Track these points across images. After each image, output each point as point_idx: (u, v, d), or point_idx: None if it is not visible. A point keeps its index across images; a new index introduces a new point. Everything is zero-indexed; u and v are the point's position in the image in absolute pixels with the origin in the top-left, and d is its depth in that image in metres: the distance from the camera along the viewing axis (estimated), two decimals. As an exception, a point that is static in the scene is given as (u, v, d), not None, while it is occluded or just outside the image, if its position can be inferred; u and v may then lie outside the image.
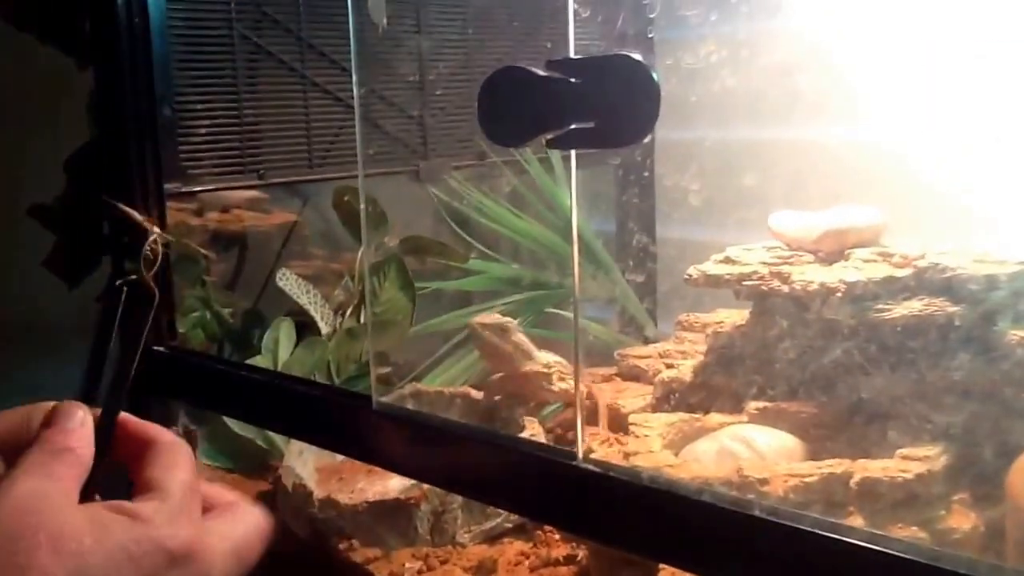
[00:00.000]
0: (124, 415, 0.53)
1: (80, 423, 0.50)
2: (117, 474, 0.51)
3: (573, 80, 0.56)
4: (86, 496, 0.47)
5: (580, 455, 0.61)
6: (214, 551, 0.48)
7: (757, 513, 0.53)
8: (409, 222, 1.35)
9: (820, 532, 0.50)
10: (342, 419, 0.77)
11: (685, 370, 1.04)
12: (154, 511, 0.46)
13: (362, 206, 0.86)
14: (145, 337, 0.58)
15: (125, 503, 0.47)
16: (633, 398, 1.05)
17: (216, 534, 0.49)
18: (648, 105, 0.55)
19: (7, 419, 0.51)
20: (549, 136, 0.57)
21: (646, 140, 0.56)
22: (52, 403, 0.52)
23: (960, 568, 0.45)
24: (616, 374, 1.16)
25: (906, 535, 0.70)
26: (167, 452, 0.50)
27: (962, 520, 0.74)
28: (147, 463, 0.50)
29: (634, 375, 1.14)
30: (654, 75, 0.54)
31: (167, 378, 0.93)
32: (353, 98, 1.16)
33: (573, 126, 0.57)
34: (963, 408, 0.78)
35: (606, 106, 0.56)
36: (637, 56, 0.55)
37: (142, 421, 0.53)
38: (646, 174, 1.43)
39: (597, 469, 0.59)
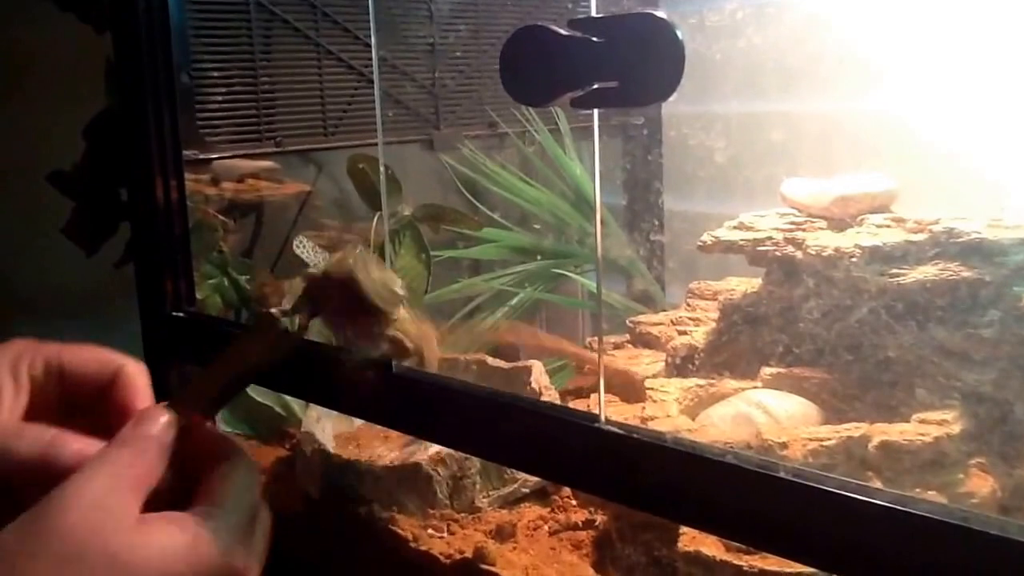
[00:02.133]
0: (203, 423, 0.53)
1: (164, 428, 0.50)
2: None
3: (596, 39, 0.56)
4: (151, 503, 0.47)
5: (602, 418, 0.61)
6: None
7: (782, 475, 0.53)
8: (422, 191, 1.36)
9: (846, 493, 0.50)
10: (361, 383, 0.77)
11: (698, 337, 1.04)
12: (214, 532, 0.47)
13: (382, 169, 0.86)
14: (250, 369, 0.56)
15: (188, 518, 0.47)
16: (647, 365, 1.05)
17: (256, 560, 0.49)
18: (672, 64, 0.54)
19: (79, 355, 0.53)
20: (572, 96, 0.57)
21: (670, 98, 0.56)
22: (120, 358, 0.54)
23: (991, 529, 0.45)
24: (628, 341, 1.17)
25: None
26: (240, 470, 0.50)
27: (981, 484, 0.74)
28: (218, 477, 0.50)
29: (646, 342, 1.15)
30: (678, 33, 0.54)
31: (186, 343, 0.94)
32: (366, 67, 1.17)
33: (596, 85, 0.56)
34: (980, 372, 0.78)
35: (629, 65, 0.56)
36: (661, 14, 0.54)
37: (219, 432, 0.54)
38: (654, 146, 1.43)
39: (619, 431, 0.60)
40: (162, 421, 0.50)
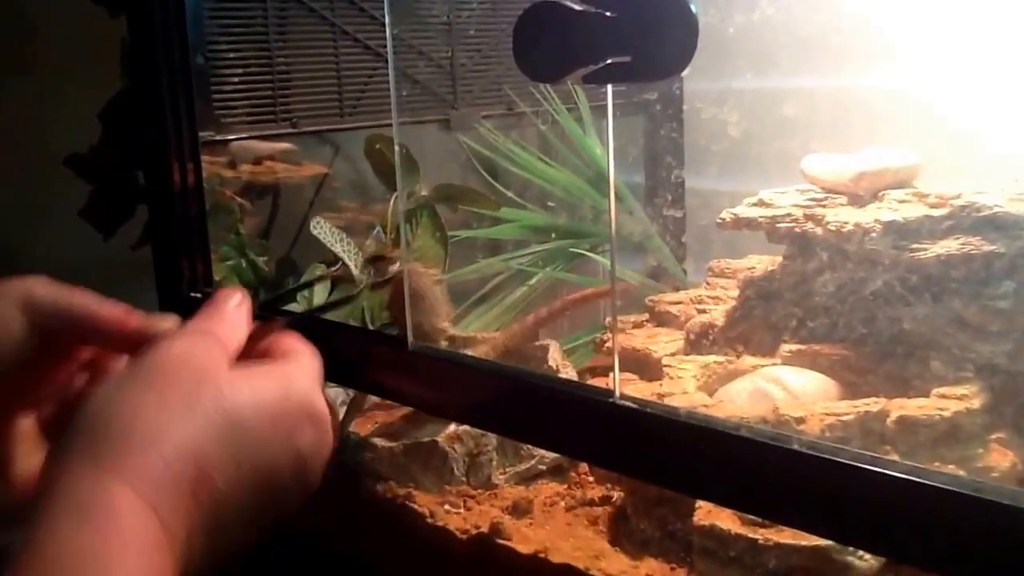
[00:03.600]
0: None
1: (240, 302, 0.58)
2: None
3: (609, 13, 0.56)
4: None
5: (617, 393, 0.61)
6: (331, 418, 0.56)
7: (796, 447, 0.53)
8: (439, 171, 1.36)
9: (862, 465, 0.49)
10: (378, 360, 0.78)
11: (717, 315, 1.04)
12: (298, 375, 0.54)
13: (396, 148, 0.86)
14: None
15: (275, 364, 0.55)
16: (665, 343, 1.05)
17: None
18: (685, 38, 0.54)
19: (110, 309, 0.58)
20: (585, 71, 0.57)
21: (684, 73, 0.55)
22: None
23: (1005, 499, 0.45)
24: (647, 320, 1.17)
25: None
26: (307, 345, 0.58)
27: (1000, 458, 0.74)
28: (292, 343, 0.58)
29: (665, 321, 1.14)
30: (692, 7, 0.54)
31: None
32: (382, 47, 1.16)
33: (610, 60, 0.56)
34: (1001, 347, 0.77)
35: (643, 39, 0.55)
36: (674, -13, 0.54)
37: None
38: (675, 124, 1.43)
39: (634, 406, 0.60)
40: (237, 296, 0.58)
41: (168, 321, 0.59)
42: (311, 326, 0.87)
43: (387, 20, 0.78)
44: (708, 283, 1.16)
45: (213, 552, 0.47)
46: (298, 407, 0.52)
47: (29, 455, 0.58)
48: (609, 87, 0.60)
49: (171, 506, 0.44)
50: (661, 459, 0.59)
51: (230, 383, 0.50)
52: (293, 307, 1.10)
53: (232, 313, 0.57)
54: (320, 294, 1.12)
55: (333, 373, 0.88)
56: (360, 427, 1.02)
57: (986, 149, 1.01)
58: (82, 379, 0.60)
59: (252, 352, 0.57)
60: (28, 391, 0.59)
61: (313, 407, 0.54)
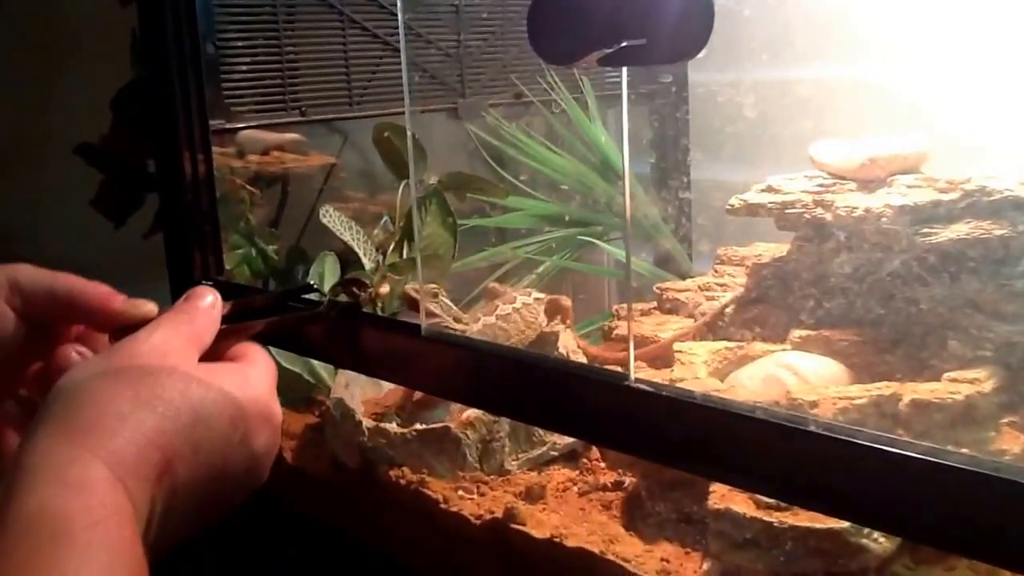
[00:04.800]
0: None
1: (212, 302, 0.60)
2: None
3: (625, -4, 0.56)
4: None
5: (632, 376, 0.61)
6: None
7: (812, 428, 0.53)
8: (447, 159, 1.36)
9: (878, 446, 0.50)
10: (392, 347, 0.78)
11: (727, 301, 1.04)
12: (259, 377, 0.58)
13: (408, 133, 0.86)
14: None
15: (237, 365, 0.58)
16: (674, 331, 1.05)
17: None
18: (701, 20, 0.54)
19: (95, 289, 0.61)
20: (600, 54, 0.57)
21: (700, 55, 0.56)
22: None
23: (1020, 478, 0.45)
24: (656, 308, 1.17)
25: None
26: (264, 354, 0.62)
27: (1013, 441, 0.74)
28: (251, 350, 0.61)
29: (674, 309, 1.15)
30: (707, -11, 0.54)
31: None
32: (390, 35, 1.16)
33: (624, 43, 0.56)
34: (1011, 331, 0.78)
35: (658, 22, 0.55)
36: (688, -30, 0.54)
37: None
38: (681, 112, 1.43)
39: (650, 389, 0.60)
40: (210, 297, 0.61)
41: (148, 306, 0.62)
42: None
43: (399, 6, 0.78)
44: (716, 271, 1.16)
45: (163, 537, 0.50)
46: (256, 409, 0.56)
47: (16, 438, 0.59)
48: (624, 70, 0.60)
49: (137, 487, 0.47)
50: (677, 442, 0.59)
51: (198, 381, 0.53)
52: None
53: (204, 312, 0.60)
54: (330, 280, 1.12)
55: (345, 360, 0.89)
56: (371, 409, 1.03)
57: (996, 135, 1.01)
58: (66, 359, 0.62)
59: (214, 351, 0.59)
60: (16, 375, 0.62)
61: (269, 410, 0.57)
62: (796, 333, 0.92)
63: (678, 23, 0.55)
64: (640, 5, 0.56)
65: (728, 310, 1.04)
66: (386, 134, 1.16)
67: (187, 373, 0.54)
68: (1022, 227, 0.78)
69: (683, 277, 1.25)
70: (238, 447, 0.55)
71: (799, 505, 0.65)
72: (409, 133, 0.86)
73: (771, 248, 1.06)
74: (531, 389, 0.67)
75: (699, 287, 1.14)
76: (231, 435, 0.54)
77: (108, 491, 0.46)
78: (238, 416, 0.54)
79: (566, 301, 1.06)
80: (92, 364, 0.54)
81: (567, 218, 1.44)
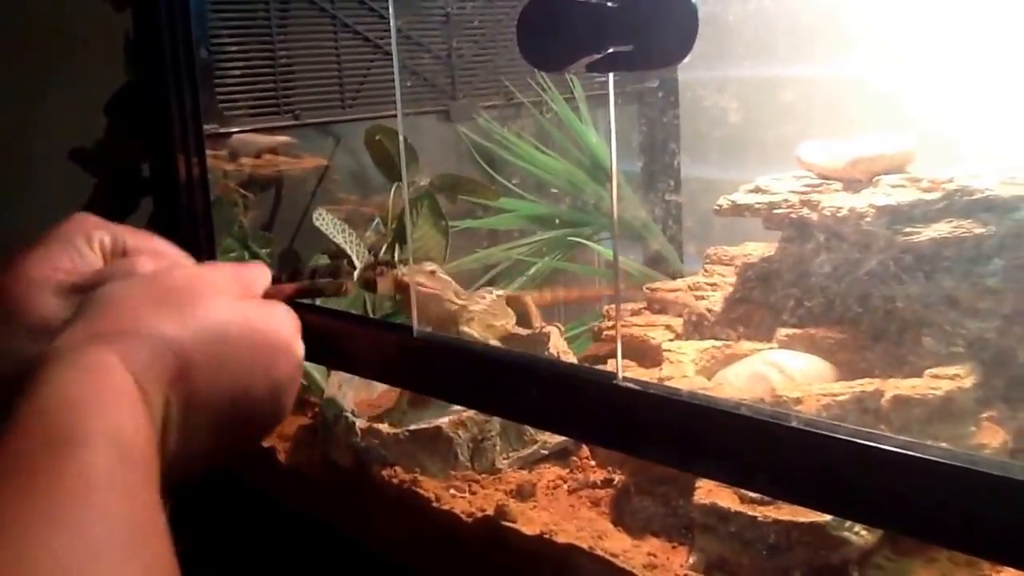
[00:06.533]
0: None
1: (263, 268, 0.67)
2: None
3: (610, 3, 0.57)
4: None
5: (619, 375, 0.63)
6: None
7: (794, 424, 0.54)
8: (439, 161, 1.37)
9: (858, 441, 0.51)
10: (385, 349, 0.79)
11: (715, 301, 1.06)
12: (283, 316, 0.62)
13: (401, 139, 0.87)
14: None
15: (262, 300, 0.63)
16: (663, 330, 1.07)
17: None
18: (686, 26, 0.56)
19: (142, 241, 0.66)
20: (588, 60, 0.58)
21: (687, 60, 0.57)
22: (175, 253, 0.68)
23: (994, 470, 0.46)
24: (646, 308, 1.18)
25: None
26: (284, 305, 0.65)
27: (992, 435, 0.76)
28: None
29: (663, 309, 1.16)
30: (692, -5, 0.55)
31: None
32: (382, 38, 1.17)
33: (612, 49, 0.58)
34: (993, 328, 0.79)
35: (644, 28, 0.57)
36: (673, -24, 0.55)
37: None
38: (671, 112, 1.44)
39: (636, 387, 0.61)
40: (264, 267, 0.67)
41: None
42: (316, 315, 0.89)
43: (391, 11, 0.79)
44: (706, 270, 1.18)
45: (186, 449, 0.53)
46: (279, 341, 0.60)
47: None
48: (611, 75, 0.62)
49: (150, 385, 0.50)
50: (663, 438, 0.61)
51: (225, 305, 0.57)
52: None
53: (257, 266, 0.67)
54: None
55: (337, 362, 0.90)
56: (365, 411, 1.04)
57: (982, 134, 1.02)
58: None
59: None
60: None
61: (290, 346, 0.61)
62: (783, 331, 0.93)
63: (663, 29, 0.56)
64: (626, 12, 0.57)
65: (717, 309, 1.05)
66: (377, 137, 1.18)
67: (216, 296, 0.57)
68: (1001, 225, 0.80)
69: (674, 277, 1.26)
70: (261, 372, 0.58)
71: (782, 500, 0.66)
72: (401, 137, 0.87)
73: (760, 247, 1.07)
74: (520, 388, 0.68)
75: (689, 287, 1.16)
76: (254, 359, 0.57)
77: (121, 377, 0.48)
78: (262, 343, 0.58)
79: (526, 298, 1.07)
80: (133, 278, 0.58)
81: (557, 220, 1.45)
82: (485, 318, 1.01)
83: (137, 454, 0.45)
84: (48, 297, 0.58)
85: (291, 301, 0.68)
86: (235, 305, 0.58)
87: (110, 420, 0.45)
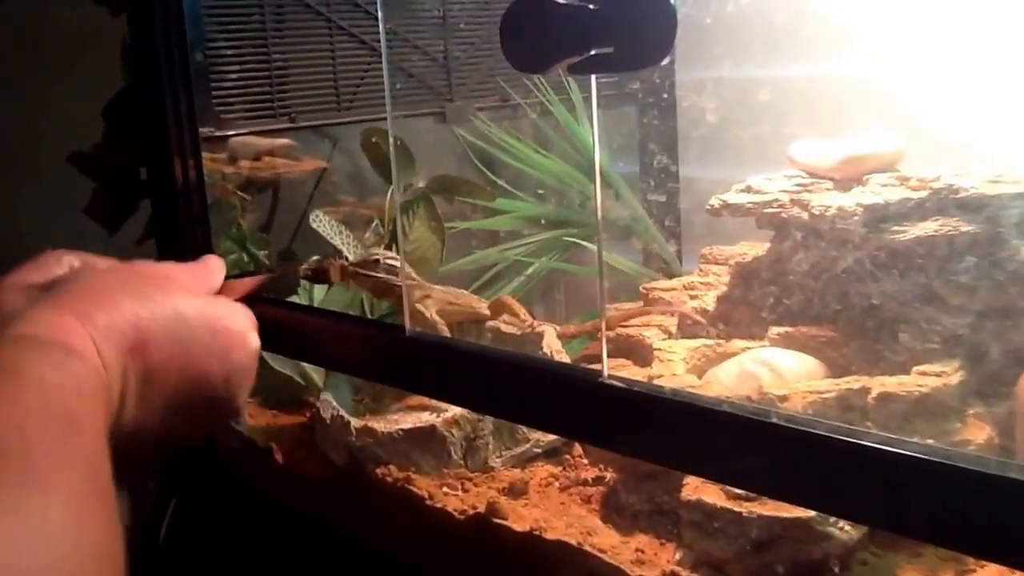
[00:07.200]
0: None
1: (218, 262, 0.71)
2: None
3: (592, 6, 0.58)
4: None
5: (606, 373, 0.63)
6: None
7: (775, 420, 0.55)
8: (435, 163, 1.37)
9: (839, 437, 0.51)
10: (378, 348, 0.80)
11: (709, 300, 1.06)
12: (241, 312, 0.65)
13: (390, 138, 0.88)
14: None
15: (221, 296, 0.67)
16: (657, 329, 1.07)
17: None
18: (665, 28, 0.56)
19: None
20: (570, 62, 0.59)
21: (665, 61, 0.58)
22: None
23: (972, 465, 0.47)
24: (643, 307, 1.19)
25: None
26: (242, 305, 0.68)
27: (978, 432, 0.76)
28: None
29: (659, 308, 1.16)
30: (670, -1, 0.56)
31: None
32: (378, 41, 1.18)
33: (593, 51, 0.58)
34: (978, 325, 0.79)
35: (624, 30, 0.57)
36: (652, -20, 0.56)
37: None
38: (669, 113, 1.44)
39: (622, 385, 0.62)
40: (218, 259, 0.71)
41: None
42: (313, 316, 0.90)
43: (380, 14, 0.80)
44: (701, 270, 1.18)
45: (143, 425, 0.55)
46: (236, 331, 0.63)
47: None
48: (593, 77, 0.63)
49: (108, 351, 0.53)
50: (647, 435, 0.61)
51: (186, 292, 0.61)
52: (294, 298, 1.13)
53: (213, 261, 0.70)
54: (320, 289, 1.14)
55: (336, 362, 0.91)
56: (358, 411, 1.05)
57: (973, 132, 1.03)
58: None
59: None
60: None
61: (246, 335, 0.64)
62: (774, 330, 0.94)
63: (642, 31, 0.57)
64: (606, 15, 0.58)
65: (710, 308, 1.06)
66: (374, 139, 1.19)
67: (178, 287, 0.61)
68: (986, 223, 0.80)
69: (670, 276, 1.27)
70: (217, 357, 0.61)
71: (766, 495, 0.67)
72: (391, 138, 0.88)
73: (755, 246, 1.08)
74: (510, 387, 0.69)
75: (684, 286, 1.16)
76: (211, 342, 0.60)
77: (82, 341, 0.51)
78: (219, 328, 0.61)
79: (509, 299, 1.08)
80: (95, 269, 0.62)
81: (549, 220, 1.46)
82: (446, 297, 1.02)
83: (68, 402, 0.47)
84: (17, 295, 0.61)
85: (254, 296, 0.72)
86: (194, 297, 0.62)
87: (61, 373, 0.47)
